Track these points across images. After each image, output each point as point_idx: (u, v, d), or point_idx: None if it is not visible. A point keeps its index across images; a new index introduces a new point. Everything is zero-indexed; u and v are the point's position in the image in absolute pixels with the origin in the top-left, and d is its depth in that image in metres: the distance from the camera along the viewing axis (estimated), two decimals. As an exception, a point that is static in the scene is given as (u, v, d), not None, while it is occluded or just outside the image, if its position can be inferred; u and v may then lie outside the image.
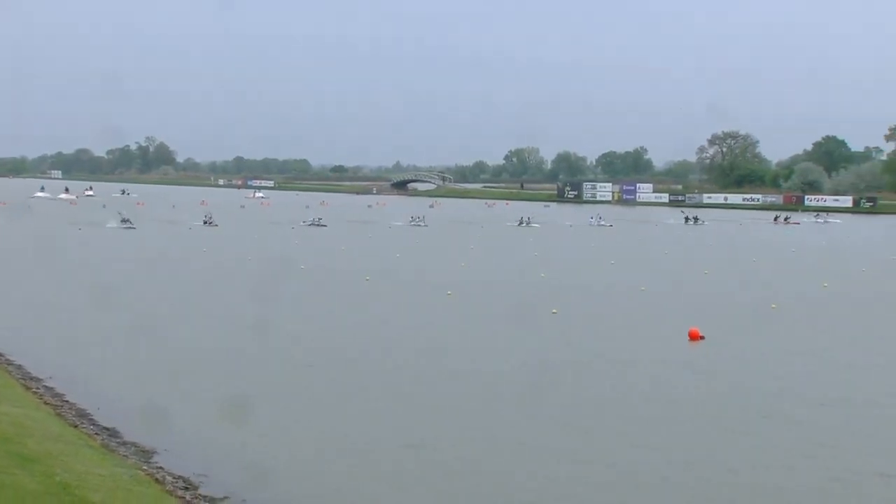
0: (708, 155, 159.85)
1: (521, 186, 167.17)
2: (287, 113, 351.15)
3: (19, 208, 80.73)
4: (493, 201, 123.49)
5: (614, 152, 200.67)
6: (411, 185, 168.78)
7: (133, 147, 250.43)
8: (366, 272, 37.81)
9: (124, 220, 61.07)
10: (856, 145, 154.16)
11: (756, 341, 24.86)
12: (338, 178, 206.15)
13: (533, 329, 25.89)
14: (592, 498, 13.40)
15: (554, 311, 28.44)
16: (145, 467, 13.73)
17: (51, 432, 14.54)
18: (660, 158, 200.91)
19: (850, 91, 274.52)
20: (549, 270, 40.33)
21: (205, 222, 65.70)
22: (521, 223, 74.27)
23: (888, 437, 16.30)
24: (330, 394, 18.76)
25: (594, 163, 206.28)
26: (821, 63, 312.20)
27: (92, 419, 16.38)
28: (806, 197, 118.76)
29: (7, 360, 20.64)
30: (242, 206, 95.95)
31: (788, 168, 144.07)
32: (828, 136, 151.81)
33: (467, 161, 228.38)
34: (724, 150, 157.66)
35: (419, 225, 70.78)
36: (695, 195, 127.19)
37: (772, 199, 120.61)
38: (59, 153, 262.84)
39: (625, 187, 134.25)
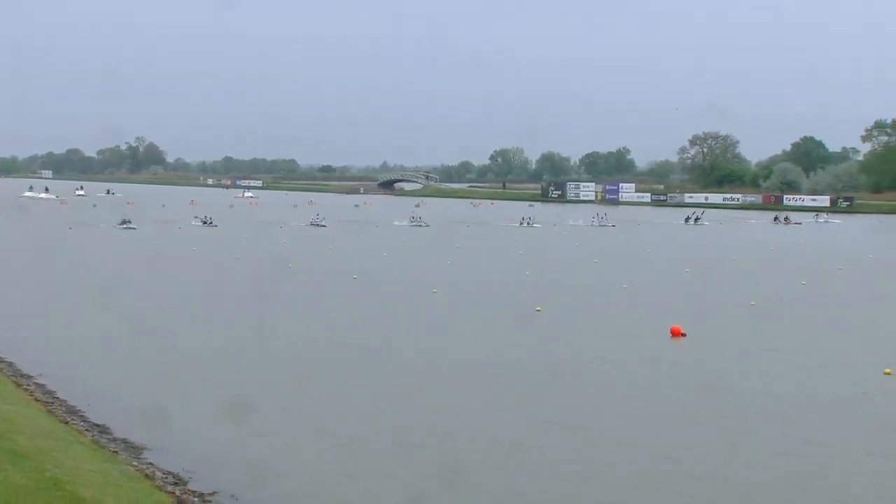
0: (689, 155, 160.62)
1: (504, 186, 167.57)
2: (276, 113, 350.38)
3: (12, 208, 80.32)
4: (478, 201, 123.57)
5: (598, 152, 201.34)
6: (398, 185, 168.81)
7: (123, 147, 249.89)
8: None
9: (125, 221, 60.46)
10: (833, 146, 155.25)
11: (735, 338, 24.98)
12: (325, 178, 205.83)
13: (520, 327, 25.96)
14: (575, 493, 13.44)
15: (538, 308, 28.50)
16: (135, 463, 13.71)
17: (42, 429, 14.50)
18: (642, 158, 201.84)
19: (829, 92, 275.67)
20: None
21: (203, 223, 65.05)
22: (522, 223, 73.41)
23: (861, 433, 16.35)
24: (320, 391, 18.76)
25: (578, 163, 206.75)
26: (798, 63, 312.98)
27: (83, 416, 16.34)
28: (785, 196, 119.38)
29: (-2, 357, 20.58)
30: (231, 206, 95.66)
31: (767, 168, 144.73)
32: (806, 137, 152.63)
33: (453, 161, 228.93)
34: (705, 150, 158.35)
35: (420, 225, 69.95)
36: (676, 195, 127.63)
37: (751, 198, 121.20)
38: (50, 153, 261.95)
39: (608, 187, 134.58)
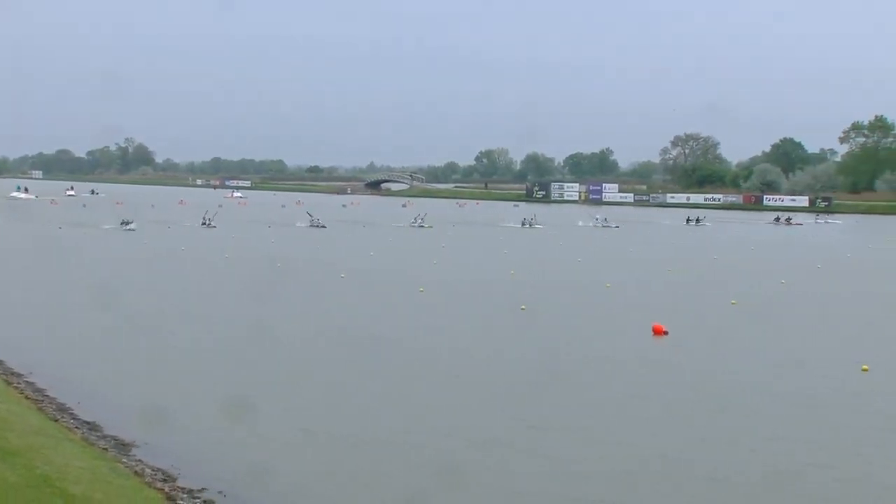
0: (671, 156, 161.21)
1: (486, 186, 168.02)
2: (264, 114, 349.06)
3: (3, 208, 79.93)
4: (463, 201, 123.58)
5: (581, 153, 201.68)
6: (384, 185, 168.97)
7: (113, 148, 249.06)
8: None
9: (125, 222, 59.57)
10: (811, 147, 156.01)
11: (716, 336, 25.07)
12: (313, 179, 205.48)
13: (504, 325, 25.99)
14: (556, 490, 13.46)
15: (522, 307, 28.54)
16: (124, 460, 13.68)
17: (32, 426, 14.45)
18: (625, 159, 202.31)
19: (807, 93, 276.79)
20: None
21: (203, 223, 64.22)
22: (524, 224, 72.41)
23: (839, 430, 16.40)
24: (308, 388, 18.72)
25: (562, 164, 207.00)
26: (774, 64, 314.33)
27: (72, 414, 16.29)
28: (764, 196, 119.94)
29: (-11, 357, 20.48)
30: (220, 206, 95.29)
31: (748, 169, 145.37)
32: (785, 139, 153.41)
33: (439, 162, 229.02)
34: (687, 151, 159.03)
35: (422, 226, 69.02)
36: (658, 195, 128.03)
37: (732, 198, 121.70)
38: (41, 153, 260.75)
39: (591, 187, 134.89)
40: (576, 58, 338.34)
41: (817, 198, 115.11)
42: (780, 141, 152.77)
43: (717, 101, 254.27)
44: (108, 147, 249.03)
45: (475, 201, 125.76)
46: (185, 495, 12.43)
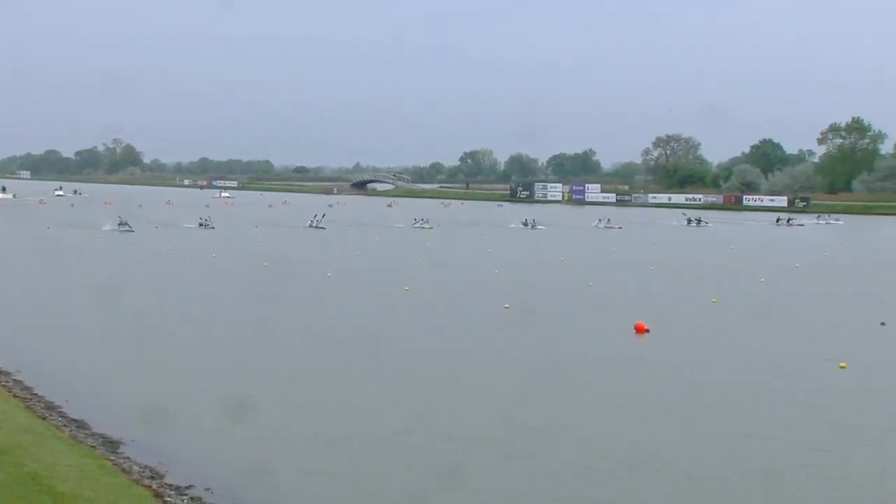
0: (652, 157, 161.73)
1: (467, 186, 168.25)
2: (251, 115, 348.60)
3: None
4: (448, 201, 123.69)
5: (564, 154, 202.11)
6: (370, 186, 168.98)
7: (101, 148, 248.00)
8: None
9: (122, 224, 58.45)
10: (790, 148, 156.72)
11: (696, 333, 25.16)
12: (299, 179, 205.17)
13: (489, 324, 26.01)
14: (535, 487, 13.48)
15: (506, 306, 28.57)
16: (112, 457, 13.63)
17: (20, 424, 14.36)
18: (607, 160, 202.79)
19: (785, 94, 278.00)
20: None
21: (200, 225, 63.08)
22: (526, 225, 71.43)
23: (817, 427, 16.47)
24: (294, 386, 18.68)
25: (545, 164, 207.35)
26: (756, 66, 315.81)
27: (61, 411, 16.21)
28: (744, 197, 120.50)
29: (-24, 355, 20.35)
30: (207, 206, 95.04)
31: (728, 169, 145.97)
32: (764, 140, 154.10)
33: (424, 162, 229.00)
34: (668, 152, 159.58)
35: (423, 227, 68.25)
36: (640, 195, 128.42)
37: (712, 198, 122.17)
38: (28, 154, 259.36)
39: (574, 187, 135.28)
40: (559, 60, 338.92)
41: (796, 198, 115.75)
42: (760, 142, 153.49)
43: (699, 102, 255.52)
44: (96, 147, 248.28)
45: (460, 201, 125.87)
46: (172, 492, 12.39)
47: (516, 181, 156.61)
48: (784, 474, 13.82)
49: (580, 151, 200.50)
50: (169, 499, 12.08)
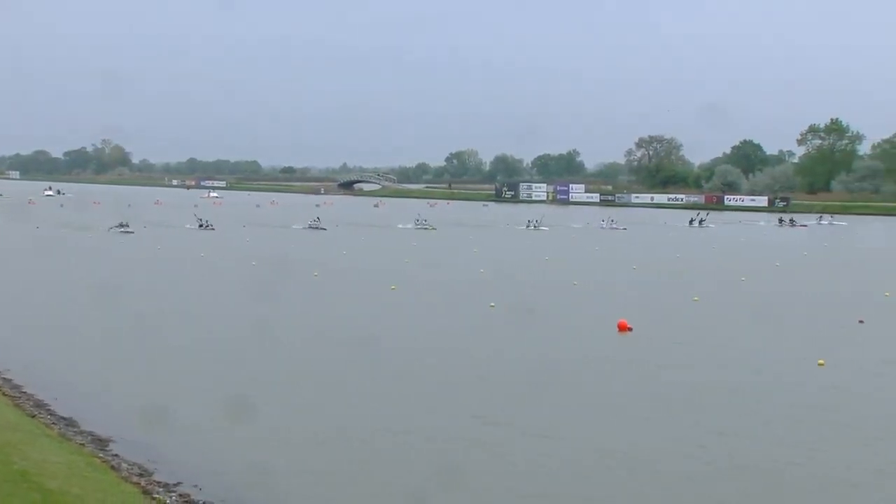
0: (635, 157, 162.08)
1: (449, 186, 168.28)
2: (240, 115, 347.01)
3: None
4: (434, 201, 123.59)
5: (549, 154, 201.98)
6: (357, 186, 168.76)
7: (90, 149, 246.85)
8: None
9: (121, 224, 57.71)
10: (770, 149, 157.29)
11: (678, 332, 25.20)
12: (287, 179, 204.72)
13: (475, 323, 26.04)
14: (513, 483, 13.50)
15: (492, 304, 28.60)
16: (101, 455, 13.59)
17: (9, 422, 14.31)
18: (591, 160, 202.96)
19: (766, 96, 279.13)
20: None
21: (200, 226, 62.20)
22: (529, 226, 70.04)
23: (798, 423, 16.54)
24: (281, 385, 18.65)
25: (530, 164, 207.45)
26: (738, 71, 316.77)
27: (49, 409, 16.16)
28: (726, 197, 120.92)
29: (-34, 354, 20.24)
30: (196, 206, 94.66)
31: (709, 170, 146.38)
32: (745, 140, 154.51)
33: (410, 163, 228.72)
34: (651, 152, 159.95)
35: (426, 228, 67.34)
36: (623, 195, 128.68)
37: (694, 198, 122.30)
38: (17, 154, 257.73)
39: (559, 187, 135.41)
40: (545, 63, 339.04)
41: (776, 198, 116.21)
42: (741, 143, 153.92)
43: (682, 104, 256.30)
44: (85, 148, 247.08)
45: (446, 201, 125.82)
46: (160, 489, 12.37)
47: (501, 181, 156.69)
48: (761, 471, 13.85)
49: (564, 152, 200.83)
50: (157, 495, 12.06)
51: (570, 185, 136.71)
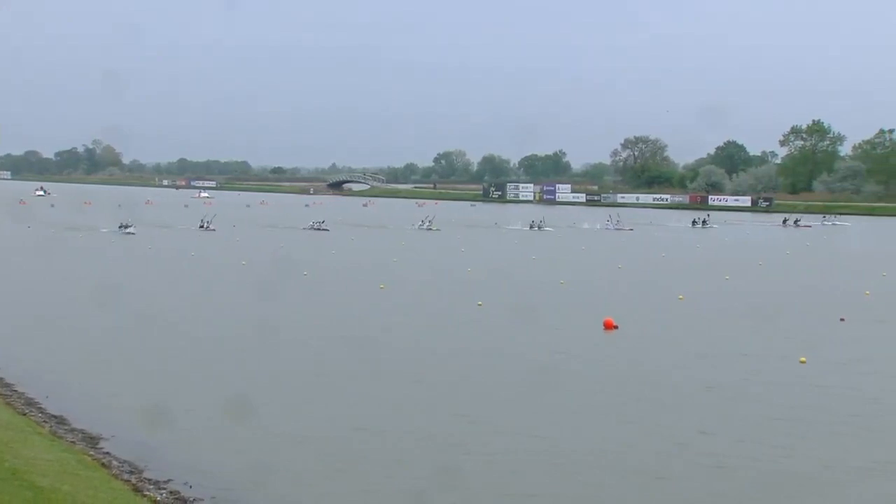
0: (621, 158, 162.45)
1: (434, 186, 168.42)
2: (230, 115, 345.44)
3: None
4: (422, 201, 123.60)
5: (536, 155, 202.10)
6: (346, 186, 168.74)
7: (80, 149, 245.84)
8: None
9: (123, 226, 57.12)
10: (753, 149, 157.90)
11: (663, 330, 25.27)
12: (277, 179, 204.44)
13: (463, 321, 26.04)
14: (492, 480, 13.50)
15: (479, 303, 28.61)
16: (92, 453, 13.54)
17: (0, 420, 14.22)
18: (578, 161, 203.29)
19: (750, 97, 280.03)
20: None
21: (201, 226, 61.63)
22: (532, 227, 69.07)
23: (780, 421, 16.55)
24: (271, 384, 18.60)
25: (517, 165, 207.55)
26: (725, 73, 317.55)
27: (40, 407, 16.10)
28: (710, 197, 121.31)
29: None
30: (186, 206, 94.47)
31: (693, 170, 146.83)
32: (729, 141, 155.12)
33: (399, 163, 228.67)
34: (636, 153, 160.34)
35: (430, 228, 66.39)
36: (609, 195, 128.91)
37: (679, 198, 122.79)
38: (8, 154, 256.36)
39: (545, 188, 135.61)
40: (531, 64, 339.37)
41: (759, 198, 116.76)
42: (725, 144, 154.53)
43: (667, 105, 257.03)
44: (75, 148, 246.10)
45: (434, 201, 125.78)
46: (151, 486, 12.33)
47: (489, 181, 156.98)
48: (741, 470, 13.80)
49: (551, 153, 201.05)
50: (148, 493, 12.02)
51: (557, 186, 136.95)
